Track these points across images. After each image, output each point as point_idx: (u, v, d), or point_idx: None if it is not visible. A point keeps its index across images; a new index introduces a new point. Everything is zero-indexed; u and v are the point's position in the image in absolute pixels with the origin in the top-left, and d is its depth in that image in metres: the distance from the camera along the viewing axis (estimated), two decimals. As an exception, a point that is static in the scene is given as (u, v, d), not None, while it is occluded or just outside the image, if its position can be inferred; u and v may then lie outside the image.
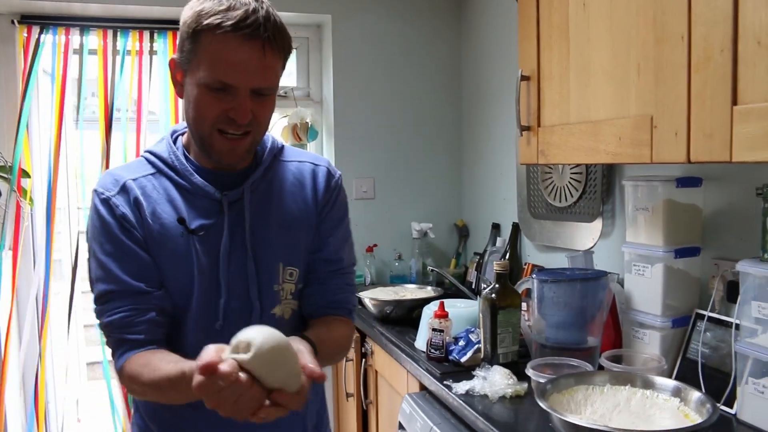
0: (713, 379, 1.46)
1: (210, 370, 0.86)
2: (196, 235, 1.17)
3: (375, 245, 2.90)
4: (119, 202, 1.17)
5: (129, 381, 1.12)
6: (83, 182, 2.78)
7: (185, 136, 1.26)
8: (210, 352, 0.90)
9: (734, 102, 1.11)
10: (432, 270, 2.71)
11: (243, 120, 1.10)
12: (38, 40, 2.61)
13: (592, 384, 1.35)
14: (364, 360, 2.36)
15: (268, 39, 1.07)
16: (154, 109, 2.85)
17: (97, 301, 1.15)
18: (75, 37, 2.67)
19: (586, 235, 2.09)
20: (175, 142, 1.26)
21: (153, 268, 1.16)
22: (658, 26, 1.27)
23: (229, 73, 1.07)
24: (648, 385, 1.32)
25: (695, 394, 1.24)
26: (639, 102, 1.33)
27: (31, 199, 2.64)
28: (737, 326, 1.39)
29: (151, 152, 1.24)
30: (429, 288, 2.53)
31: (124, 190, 1.18)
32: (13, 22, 2.58)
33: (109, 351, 1.18)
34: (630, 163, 1.43)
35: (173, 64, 1.16)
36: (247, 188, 1.21)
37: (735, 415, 1.38)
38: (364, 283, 2.84)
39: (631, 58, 1.35)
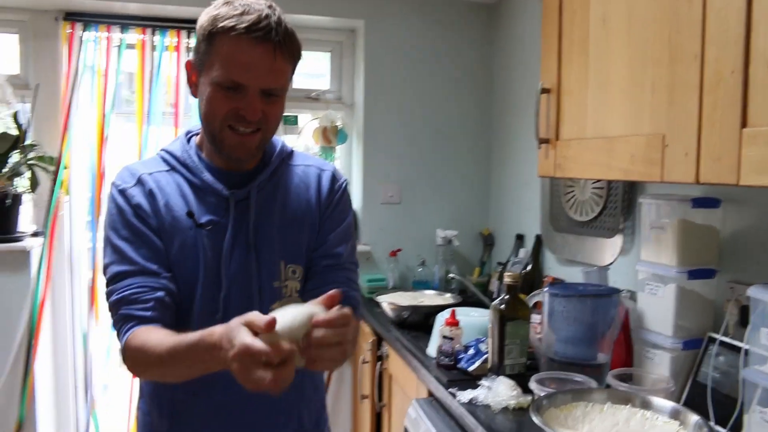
0: (722, 404, 1.43)
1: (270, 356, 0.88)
2: (203, 229, 1.23)
3: (399, 250, 2.92)
4: (135, 192, 1.23)
5: (134, 353, 1.13)
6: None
7: (199, 136, 1.32)
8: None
9: (743, 124, 1.09)
10: (453, 277, 2.72)
11: (253, 117, 1.16)
12: (81, 36, 2.71)
13: (590, 401, 1.34)
14: (379, 363, 2.38)
15: (278, 43, 1.14)
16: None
17: (109, 282, 1.20)
18: (115, 35, 2.76)
19: (606, 250, 2.07)
20: (188, 141, 1.32)
21: (164, 254, 1.22)
22: (672, 45, 1.26)
23: (240, 73, 1.13)
24: (647, 405, 1.31)
25: (693, 418, 1.23)
26: (652, 120, 1.32)
27: (67, 189, 2.73)
28: (747, 352, 1.36)
29: (166, 150, 1.31)
30: (448, 295, 2.53)
31: (139, 182, 1.25)
32: (57, 19, 2.68)
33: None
34: (641, 180, 1.42)
35: (189, 66, 1.23)
36: (254, 188, 1.27)
37: (740, 442, 1.36)
38: (386, 287, 2.85)
39: (647, 75, 1.34)
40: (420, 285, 2.82)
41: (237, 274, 1.23)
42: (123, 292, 1.17)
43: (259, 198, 1.27)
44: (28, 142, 2.58)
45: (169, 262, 1.22)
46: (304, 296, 1.32)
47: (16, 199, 2.55)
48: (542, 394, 1.43)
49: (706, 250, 1.59)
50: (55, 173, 2.65)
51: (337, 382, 2.92)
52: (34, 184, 2.59)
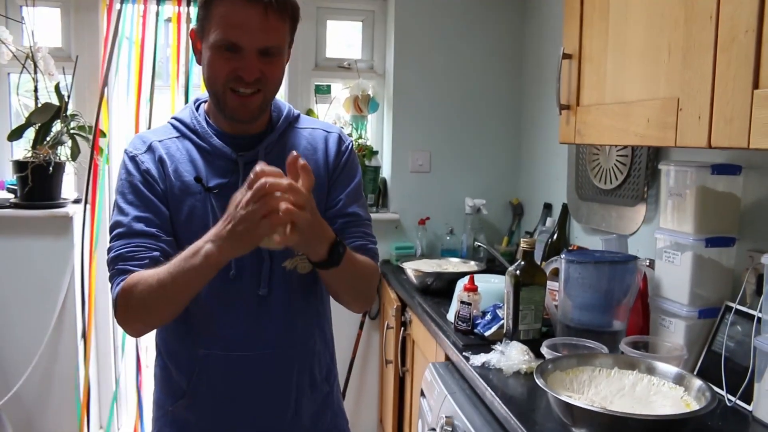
0: (736, 374, 1.42)
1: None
2: (211, 193, 1.27)
3: (427, 218, 2.93)
4: (145, 159, 1.29)
5: (129, 289, 1.18)
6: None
7: (207, 103, 1.37)
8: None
9: (755, 86, 1.07)
10: (480, 246, 2.72)
11: (250, 77, 1.21)
12: (120, 9, 2.78)
13: (596, 366, 1.34)
14: (403, 329, 2.41)
15: (270, 2, 1.18)
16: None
17: (111, 240, 1.26)
18: (152, 6, 2.82)
19: (630, 219, 2.04)
20: (197, 109, 1.37)
21: (167, 219, 1.27)
22: (688, 5, 1.23)
23: (235, 33, 1.18)
24: (652, 371, 1.30)
25: (696, 383, 1.22)
26: (668, 84, 1.30)
27: (107, 158, 2.83)
28: (759, 320, 1.34)
29: (175, 118, 1.37)
30: (472, 263, 2.54)
31: (150, 149, 1.31)
32: (96, -9, 2.76)
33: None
34: (656, 146, 1.40)
35: (192, 34, 1.29)
36: (262, 150, 1.31)
37: (752, 412, 1.35)
38: (415, 254, 2.88)
39: (663, 38, 1.32)
40: (448, 253, 2.84)
41: None
42: (120, 249, 1.23)
43: (268, 160, 1.29)
44: (69, 112, 2.68)
45: (174, 228, 1.27)
46: None
47: (58, 167, 2.66)
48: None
49: (726, 217, 1.56)
50: (95, 142, 2.75)
51: (365, 346, 2.98)
52: (75, 152, 2.69)
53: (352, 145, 1.43)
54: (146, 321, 1.26)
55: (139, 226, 1.24)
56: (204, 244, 1.10)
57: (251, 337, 1.26)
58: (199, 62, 1.28)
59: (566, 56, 1.69)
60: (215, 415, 1.33)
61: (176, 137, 1.33)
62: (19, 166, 2.58)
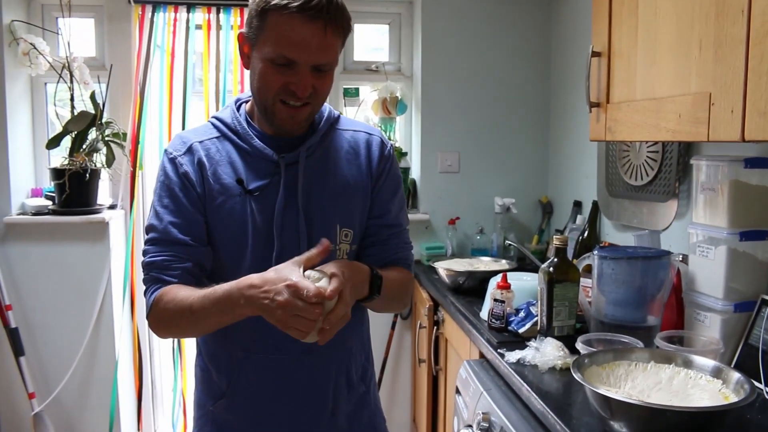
0: (774, 366, 1.42)
1: (319, 296, 1.07)
2: (252, 195, 1.29)
3: (457, 218, 2.95)
4: (184, 161, 1.31)
5: (162, 306, 1.23)
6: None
7: (248, 104, 1.38)
8: (295, 270, 1.11)
9: (789, 79, 1.08)
10: (509, 244, 2.73)
11: (303, 93, 1.22)
12: (152, 18, 2.84)
13: (632, 360, 1.35)
14: (436, 328, 2.43)
15: (329, 19, 1.18)
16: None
17: (146, 242, 1.31)
18: (183, 14, 2.87)
19: (661, 215, 2.04)
20: (238, 109, 1.38)
21: (201, 225, 1.30)
22: (719, 0, 1.24)
23: (292, 51, 1.18)
24: (689, 365, 1.31)
25: (735, 375, 1.22)
26: (699, 79, 1.31)
27: (141, 164, 2.89)
28: (797, 312, 1.34)
29: (216, 117, 1.38)
30: (504, 261, 2.55)
31: (190, 151, 1.32)
32: (129, 2, 2.82)
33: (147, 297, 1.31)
34: (688, 141, 1.40)
35: (241, 38, 1.27)
36: (303, 152, 1.32)
37: (790, 404, 1.35)
38: (445, 254, 2.90)
39: (694, 33, 1.32)
40: (478, 253, 2.86)
41: (288, 236, 1.29)
42: (155, 256, 1.27)
43: (309, 162, 1.33)
44: (104, 119, 2.74)
45: (211, 231, 1.30)
46: (362, 259, 1.39)
47: (94, 174, 2.72)
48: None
49: (760, 211, 1.55)
50: (133, 151, 2.82)
51: (397, 346, 3.00)
52: (110, 159, 2.75)
53: (393, 148, 1.45)
54: (175, 335, 1.36)
55: (174, 233, 1.27)
56: (241, 299, 1.13)
57: (290, 339, 1.26)
58: (245, 66, 1.28)
59: (595, 54, 1.70)
60: (254, 416, 1.36)
61: (216, 137, 1.34)
62: (57, 173, 2.64)
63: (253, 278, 1.13)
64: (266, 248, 1.29)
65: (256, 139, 1.32)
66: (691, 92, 1.32)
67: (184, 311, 1.20)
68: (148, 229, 1.30)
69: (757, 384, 1.36)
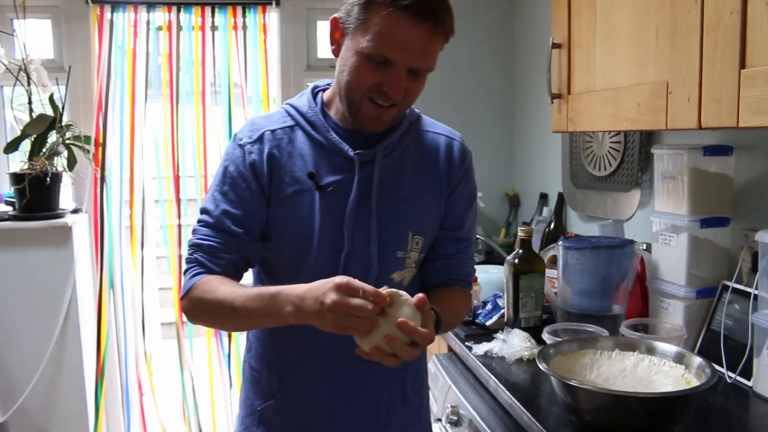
0: (735, 351, 1.44)
1: (375, 295, 1.00)
2: (323, 191, 1.22)
3: (425, 214, 2.94)
4: (253, 149, 1.23)
5: (201, 293, 1.16)
6: (156, 152, 2.95)
7: (327, 93, 1.30)
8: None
9: (742, 65, 1.09)
10: (477, 238, 2.74)
11: (396, 96, 1.15)
12: (111, 18, 2.79)
13: (597, 349, 1.36)
14: (405, 324, 2.43)
15: (437, 23, 1.12)
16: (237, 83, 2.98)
17: (198, 222, 1.25)
18: (143, 15, 2.83)
19: (625, 204, 2.06)
20: (315, 97, 1.29)
21: (258, 220, 1.23)
22: (673, -13, 1.26)
23: (393, 50, 1.11)
24: (652, 351, 1.32)
25: (697, 360, 1.24)
26: (656, 67, 1.33)
27: (104, 168, 2.84)
28: (756, 297, 1.36)
29: (291, 105, 1.30)
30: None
31: (260, 139, 1.24)
32: (87, 2, 2.76)
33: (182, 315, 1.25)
34: (647, 129, 1.42)
35: (335, 23, 1.18)
36: (380, 150, 1.24)
37: (752, 387, 1.37)
38: (414, 250, 2.89)
39: (650, 22, 1.34)
40: (447, 248, 2.85)
41: (358, 237, 1.22)
42: (202, 240, 1.21)
43: (386, 162, 1.25)
44: (64, 122, 2.68)
45: (275, 225, 1.23)
46: (426, 270, 1.34)
47: (56, 177, 2.66)
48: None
49: (719, 198, 1.58)
50: (97, 154, 2.77)
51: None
52: (72, 162, 2.69)
53: (472, 157, 1.38)
54: (207, 325, 1.28)
55: (226, 223, 1.21)
56: (289, 305, 1.06)
57: (344, 347, 1.14)
58: (335, 53, 1.20)
59: (556, 45, 1.71)
60: (303, 421, 1.30)
61: (289, 126, 1.26)
62: (16, 178, 2.58)
63: (300, 287, 1.07)
64: (334, 248, 1.22)
65: (332, 132, 1.24)
66: (649, 81, 1.34)
67: (225, 307, 1.13)
68: (202, 211, 1.24)
69: (718, 368, 1.38)
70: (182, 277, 1.24)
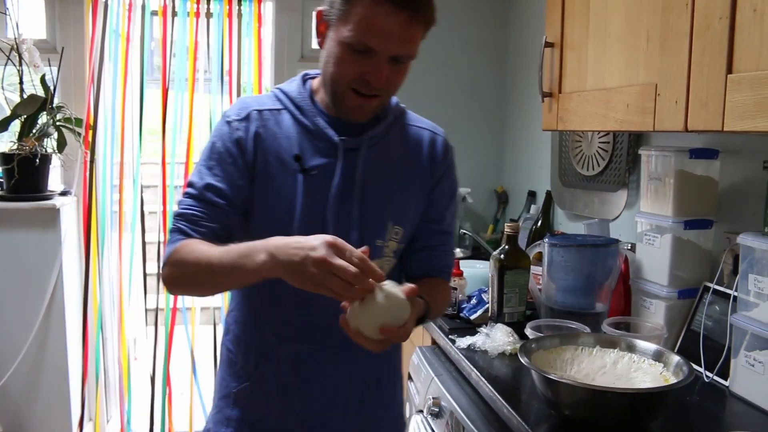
0: (714, 351, 1.46)
1: (363, 260, 1.01)
2: (308, 174, 1.24)
3: (414, 208, 2.96)
4: (240, 127, 1.26)
5: (181, 255, 1.17)
6: (140, 137, 2.94)
7: (315, 81, 1.32)
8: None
9: (729, 70, 1.11)
10: (464, 234, 2.76)
11: (378, 84, 1.18)
12: (106, 2, 2.78)
13: (578, 345, 1.38)
14: (391, 316, 2.44)
15: (415, 11, 1.15)
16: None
17: (183, 194, 1.26)
18: (137, -1, 2.82)
19: (612, 204, 2.09)
20: (304, 84, 1.32)
21: (241, 194, 1.24)
22: (665, -8, 1.27)
23: (374, 39, 1.13)
24: (632, 349, 1.34)
25: (675, 359, 1.26)
26: (646, 70, 1.34)
27: (93, 151, 2.83)
28: (735, 299, 1.39)
29: (281, 89, 1.32)
30: (458, 249, 2.58)
31: (247, 118, 1.27)
32: (80, -17, 2.75)
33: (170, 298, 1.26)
34: (635, 130, 1.44)
35: (319, 16, 1.21)
36: (365, 140, 1.27)
37: (728, 387, 1.39)
38: (401, 243, 2.90)
39: (642, 25, 1.35)
40: (434, 242, 2.87)
41: (339, 223, 1.24)
42: (186, 209, 1.22)
43: (370, 152, 1.28)
44: (55, 104, 2.67)
45: (257, 204, 1.25)
46: (408, 262, 1.37)
47: (45, 159, 2.66)
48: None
49: (704, 200, 1.60)
50: (85, 136, 2.76)
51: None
52: (62, 144, 2.69)
53: (454, 151, 1.41)
54: (187, 290, 1.29)
55: (209, 195, 1.22)
56: (263, 253, 1.05)
57: (325, 331, 1.20)
58: (320, 45, 1.23)
59: (548, 44, 1.73)
60: (278, 403, 1.31)
61: (277, 109, 1.29)
62: (5, 158, 2.57)
63: (279, 238, 1.07)
64: (315, 232, 1.19)
65: (320, 118, 1.27)
66: (639, 83, 1.36)
67: (202, 264, 1.14)
68: (188, 183, 1.26)
69: (697, 367, 1.41)
70: (165, 247, 1.25)
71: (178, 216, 1.24)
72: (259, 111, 1.28)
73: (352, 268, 0.99)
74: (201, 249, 1.16)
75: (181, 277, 1.20)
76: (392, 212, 1.29)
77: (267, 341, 1.30)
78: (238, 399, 1.34)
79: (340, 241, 1.02)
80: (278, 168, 1.24)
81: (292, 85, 1.32)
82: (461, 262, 1.97)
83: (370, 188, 1.27)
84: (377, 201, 1.28)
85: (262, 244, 1.07)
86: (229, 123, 1.27)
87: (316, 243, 1.01)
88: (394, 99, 1.36)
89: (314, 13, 1.23)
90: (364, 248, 1.04)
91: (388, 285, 1.06)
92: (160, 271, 1.24)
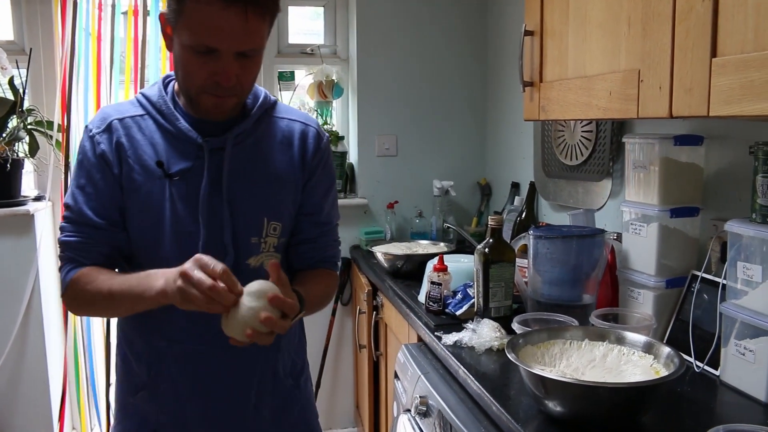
0: (704, 340, 1.44)
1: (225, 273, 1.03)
2: (172, 180, 1.23)
3: (396, 202, 2.93)
4: (102, 140, 1.24)
5: (82, 286, 1.19)
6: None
7: (176, 83, 1.30)
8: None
9: (713, 54, 1.08)
10: (448, 227, 2.73)
11: (228, 83, 1.16)
12: (75, 1, 2.70)
13: (567, 338, 1.35)
14: (375, 313, 2.41)
15: (250, 3, 1.10)
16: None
17: (63, 219, 1.26)
18: (107, -3, 2.75)
19: (596, 194, 2.06)
20: (166, 87, 1.30)
21: (117, 209, 1.24)
22: (646, -26, 1.24)
23: (212, 38, 1.11)
24: (622, 341, 1.31)
25: (665, 350, 1.23)
26: (628, 56, 1.31)
27: (67, 153, 2.76)
28: (724, 287, 1.36)
29: (143, 94, 1.30)
30: (442, 244, 2.55)
31: (108, 129, 1.25)
32: (48, -19, 2.68)
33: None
34: (619, 118, 1.41)
35: (163, 19, 1.19)
36: (231, 138, 1.25)
37: (719, 376, 1.37)
38: (384, 238, 2.87)
39: (623, 10, 1.32)
40: (417, 236, 2.84)
41: (211, 225, 1.24)
42: (70, 237, 1.23)
43: (239, 149, 1.27)
44: (25, 107, 2.60)
45: (128, 215, 1.25)
46: (292, 255, 1.38)
47: (17, 164, 2.59)
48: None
49: (689, 188, 1.58)
50: (64, 139, 2.69)
51: (338, 333, 2.97)
52: (34, 148, 2.62)
53: (329, 141, 1.40)
54: (89, 313, 1.34)
55: (88, 215, 1.23)
56: (160, 278, 1.08)
57: (212, 331, 1.18)
58: (168, 48, 1.21)
59: (528, 33, 1.69)
60: (176, 408, 1.31)
61: (140, 115, 1.27)
62: (-25, 163, 2.50)
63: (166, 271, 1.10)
64: (190, 236, 1.23)
65: (182, 120, 1.25)
66: (621, 69, 1.33)
67: (103, 294, 1.17)
68: (65, 207, 1.26)
69: (687, 357, 1.39)
70: (59, 275, 1.26)
71: (64, 245, 1.24)
72: (120, 119, 1.26)
73: (208, 281, 1.01)
74: (101, 279, 1.18)
75: (85, 305, 1.25)
76: (266, 208, 1.29)
77: (158, 346, 1.29)
78: (136, 409, 1.34)
79: (203, 257, 1.04)
80: (144, 176, 1.24)
81: (153, 89, 1.30)
82: (445, 257, 1.93)
83: (239, 186, 1.26)
84: (248, 198, 1.27)
85: (160, 272, 1.10)
86: (91, 138, 1.26)
87: (188, 262, 1.04)
88: (263, 92, 1.35)
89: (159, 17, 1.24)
90: (223, 266, 1.05)
91: (255, 286, 1.08)
92: (62, 298, 1.27)
